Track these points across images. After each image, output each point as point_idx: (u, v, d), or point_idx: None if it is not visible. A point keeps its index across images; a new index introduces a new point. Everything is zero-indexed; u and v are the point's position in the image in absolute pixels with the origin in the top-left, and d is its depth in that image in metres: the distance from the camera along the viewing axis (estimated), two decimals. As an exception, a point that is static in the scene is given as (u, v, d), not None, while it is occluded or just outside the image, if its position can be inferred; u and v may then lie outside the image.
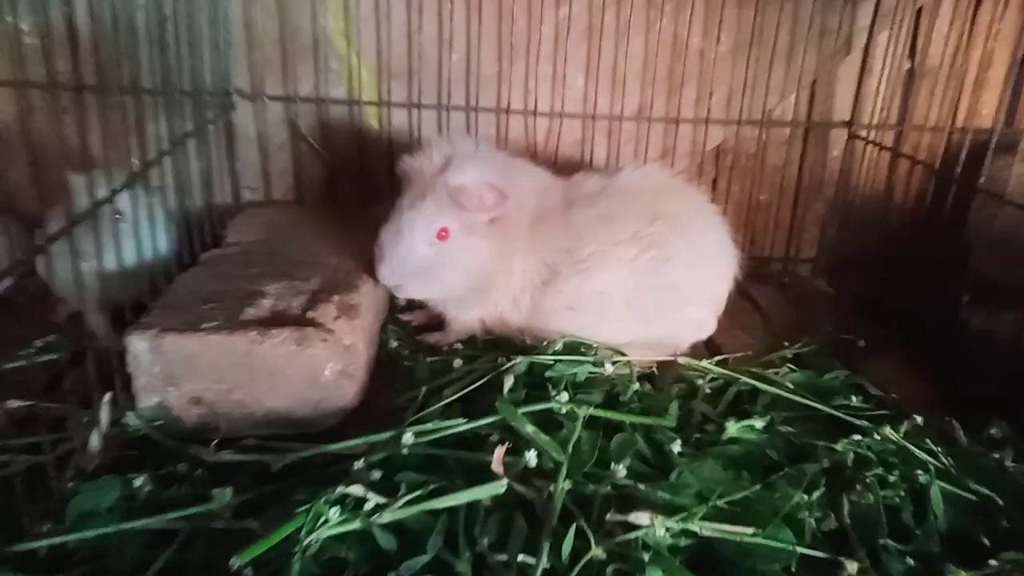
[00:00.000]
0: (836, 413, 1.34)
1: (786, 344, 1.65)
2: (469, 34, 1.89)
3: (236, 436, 1.25)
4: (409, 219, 1.45)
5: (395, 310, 1.75)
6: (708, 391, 1.44)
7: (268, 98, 1.92)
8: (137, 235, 1.45)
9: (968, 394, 1.51)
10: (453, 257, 1.46)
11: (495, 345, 1.59)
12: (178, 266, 1.57)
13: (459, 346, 1.59)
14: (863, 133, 1.97)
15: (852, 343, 1.67)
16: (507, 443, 1.12)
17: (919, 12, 1.93)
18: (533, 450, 1.13)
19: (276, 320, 1.32)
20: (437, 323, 1.66)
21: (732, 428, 1.27)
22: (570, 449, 1.15)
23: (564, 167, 1.97)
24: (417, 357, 1.53)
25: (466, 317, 1.59)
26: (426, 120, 1.96)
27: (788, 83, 1.99)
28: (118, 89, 1.40)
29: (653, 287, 1.47)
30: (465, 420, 1.22)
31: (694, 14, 1.90)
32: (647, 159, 2.02)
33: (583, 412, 1.23)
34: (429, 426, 1.20)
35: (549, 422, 1.25)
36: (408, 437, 1.17)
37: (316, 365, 1.27)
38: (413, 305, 1.74)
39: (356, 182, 2.00)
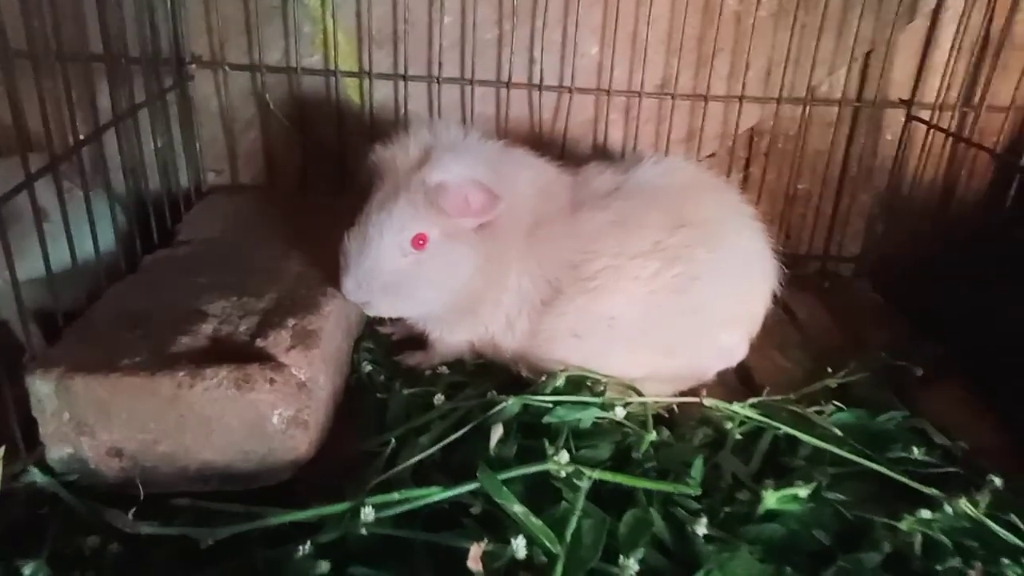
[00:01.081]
0: (896, 476, 1.10)
1: (829, 370, 1.40)
2: (464, -8, 1.61)
3: (167, 492, 1.04)
4: (378, 223, 1.20)
5: (373, 320, 1.51)
6: (739, 436, 1.20)
7: (230, 67, 1.66)
8: (68, 231, 1.19)
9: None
10: (432, 270, 1.22)
11: (486, 370, 1.36)
12: (129, 262, 1.34)
13: (444, 369, 1.36)
14: (924, 115, 1.68)
15: (907, 371, 1.41)
16: (485, 541, 0.88)
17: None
18: (522, 536, 0.90)
19: (215, 352, 1.08)
20: (420, 337, 1.42)
21: (770, 499, 1.03)
22: (569, 535, 0.92)
23: (573, 152, 1.72)
24: (393, 385, 1.29)
25: (452, 339, 1.35)
26: (414, 94, 1.69)
27: (838, 55, 1.70)
28: (53, 56, 1.15)
29: (677, 312, 1.22)
30: (440, 488, 0.99)
31: (730, -29, 1.61)
32: (670, 142, 1.74)
33: (587, 481, 0.99)
34: (395, 496, 0.98)
35: (544, 489, 1.02)
36: (368, 513, 0.94)
37: (260, 412, 1.04)
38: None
39: (334, 164, 1.75)
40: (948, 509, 1.03)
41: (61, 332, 1.12)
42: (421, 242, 1.20)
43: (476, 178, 1.19)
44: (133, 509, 0.97)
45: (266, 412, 1.04)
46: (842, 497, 1.07)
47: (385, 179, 1.24)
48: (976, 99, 1.65)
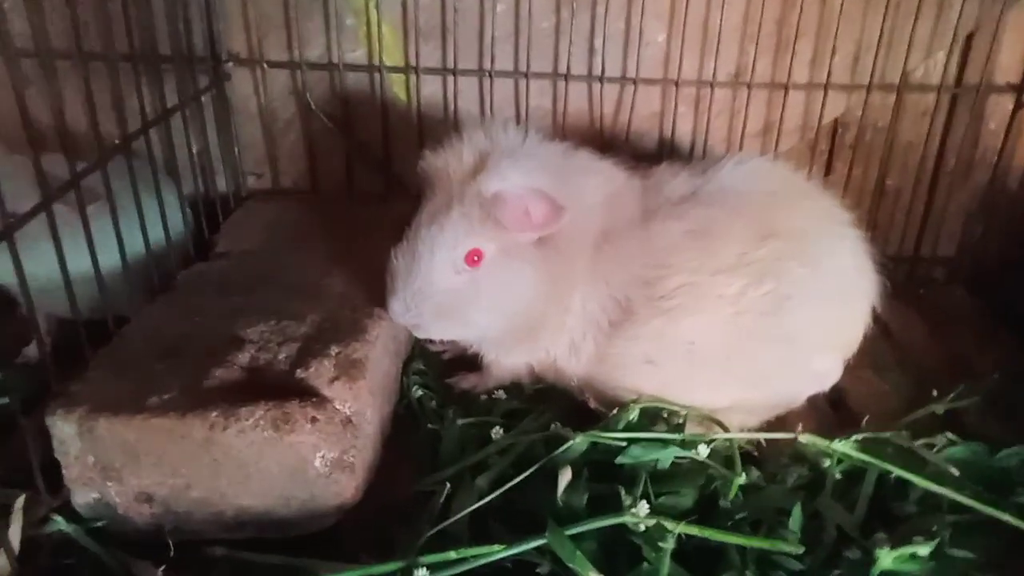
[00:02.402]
0: (1030, 529, 0.94)
1: (934, 393, 1.24)
2: (518, -22, 1.47)
3: (201, 540, 0.95)
4: (429, 239, 1.08)
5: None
6: (838, 476, 1.05)
7: (269, 64, 1.55)
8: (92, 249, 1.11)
9: None
10: (487, 289, 1.09)
11: (546, 396, 1.23)
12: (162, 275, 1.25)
13: (500, 394, 1.23)
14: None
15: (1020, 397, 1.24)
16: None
17: None
18: (599, 609, 0.78)
19: (252, 386, 0.98)
20: (473, 356, 1.30)
21: (885, 559, 0.88)
22: (653, 609, 0.79)
23: (637, 149, 1.58)
24: (446, 413, 1.17)
25: (508, 360, 1.22)
26: (464, 89, 1.56)
27: (937, 36, 1.52)
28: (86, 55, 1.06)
29: (766, 336, 1.07)
30: (502, 546, 0.87)
31: (814, -55, 1.45)
32: (744, 135, 1.59)
33: (671, 540, 0.86)
34: (452, 555, 0.86)
35: (620, 542, 0.89)
36: (421, 575, 0.82)
37: (301, 455, 0.93)
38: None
39: (379, 167, 1.63)
40: (1098, 572, 0.88)
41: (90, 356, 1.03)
42: (476, 259, 1.08)
43: (537, 187, 1.06)
44: (163, 567, 0.88)
45: (307, 455, 0.93)
46: (969, 555, 0.92)
47: (436, 189, 1.12)
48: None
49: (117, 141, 1.14)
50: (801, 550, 0.89)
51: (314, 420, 0.94)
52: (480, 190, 1.07)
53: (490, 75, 1.54)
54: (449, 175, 1.11)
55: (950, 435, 1.12)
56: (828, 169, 1.67)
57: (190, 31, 1.42)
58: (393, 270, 1.11)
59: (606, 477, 0.99)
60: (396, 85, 1.58)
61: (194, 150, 1.50)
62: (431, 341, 1.36)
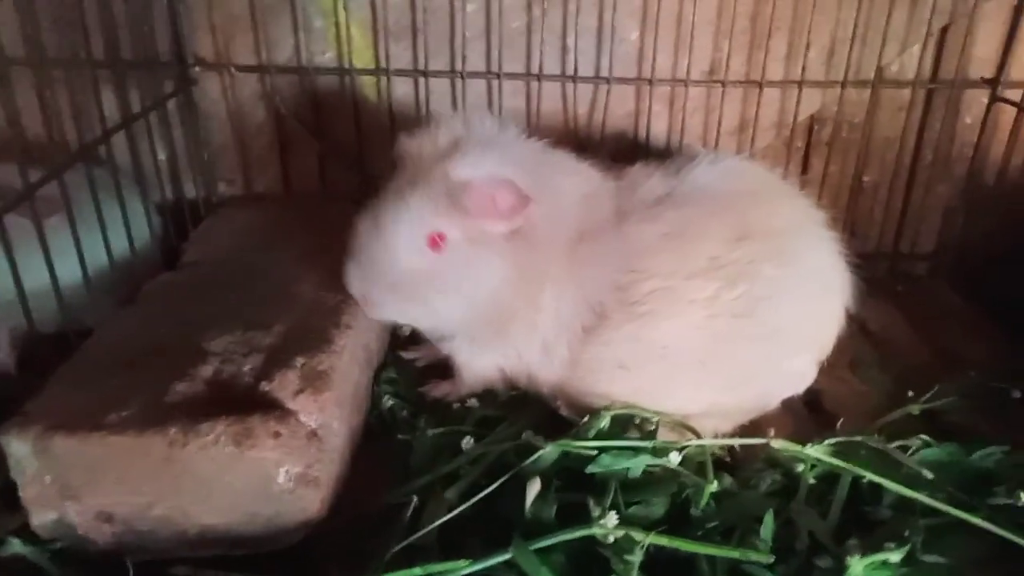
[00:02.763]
0: (1005, 534, 0.93)
1: (911, 394, 1.23)
2: (489, -24, 1.46)
3: (165, 558, 0.93)
4: (393, 212, 1.06)
5: (397, 343, 1.38)
6: (813, 480, 1.04)
7: (237, 68, 1.52)
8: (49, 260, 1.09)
9: None
10: (450, 276, 1.07)
11: (520, 404, 1.21)
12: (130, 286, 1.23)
13: (474, 402, 1.22)
14: (1012, 95, 1.48)
15: (1003, 393, 1.24)
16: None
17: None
18: (565, 626, 0.76)
19: (214, 400, 0.96)
20: (447, 364, 1.28)
21: (856, 567, 0.87)
22: (620, 624, 0.77)
23: (612, 148, 1.56)
24: (417, 423, 1.16)
25: (480, 363, 1.21)
26: (436, 91, 1.55)
27: (912, 30, 1.51)
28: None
29: (740, 339, 1.06)
30: (468, 561, 0.85)
31: (787, -61, 1.43)
32: (720, 133, 1.57)
33: (639, 552, 0.84)
34: (417, 572, 0.84)
35: (590, 555, 0.88)
36: (386, 594, 0.81)
37: (264, 471, 0.91)
38: (418, 337, 1.35)
39: (353, 169, 1.61)
40: (1073, 577, 0.87)
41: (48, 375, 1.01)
42: (439, 242, 1.06)
43: (507, 177, 1.04)
44: (124, 585, 0.86)
45: (270, 471, 0.91)
46: (941, 560, 0.91)
47: (407, 169, 1.10)
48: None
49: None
50: (771, 559, 0.88)
51: (277, 435, 0.92)
52: (448, 174, 1.05)
53: (462, 76, 1.52)
54: (422, 156, 1.09)
55: (924, 437, 1.11)
56: (805, 166, 1.65)
57: (153, 35, 1.40)
58: (353, 238, 1.09)
59: (578, 485, 0.97)
60: (367, 87, 1.56)
61: (161, 157, 1.48)
62: (404, 348, 1.35)
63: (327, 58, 1.54)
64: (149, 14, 1.39)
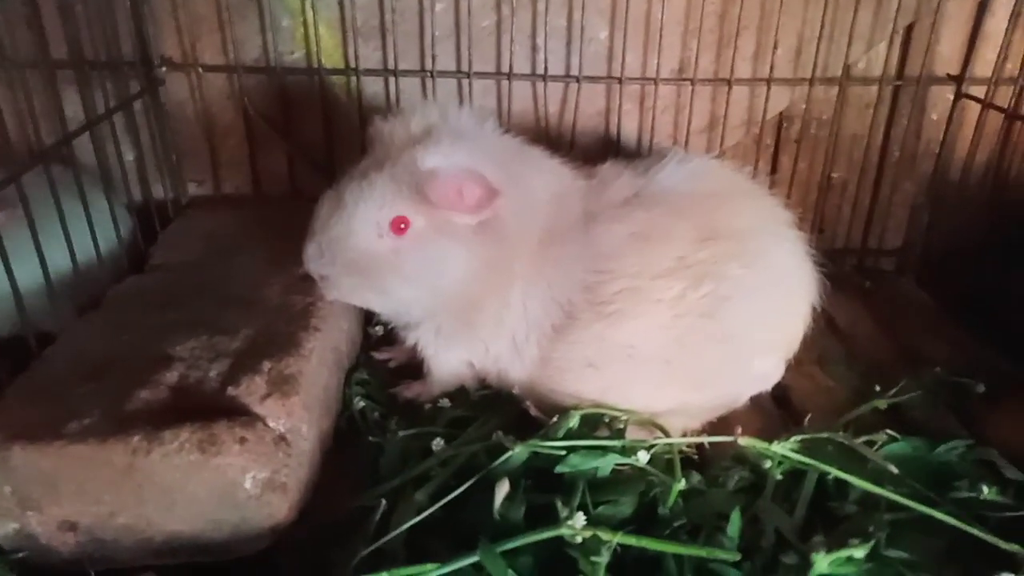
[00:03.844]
0: (967, 528, 0.94)
1: (877, 389, 1.24)
2: (457, -25, 1.45)
3: (130, 567, 0.92)
4: (356, 191, 1.06)
5: (369, 344, 1.37)
6: (779, 476, 1.05)
7: (204, 68, 1.51)
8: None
9: None
10: (411, 262, 1.07)
11: (491, 403, 1.21)
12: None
13: (445, 402, 1.21)
14: (977, 92, 1.50)
15: (968, 388, 1.25)
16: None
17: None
18: (532, 628, 0.76)
19: (179, 407, 0.95)
20: (419, 365, 1.28)
21: (821, 563, 0.88)
22: (586, 626, 0.78)
23: (582, 147, 1.56)
24: (388, 424, 1.16)
25: (448, 358, 1.20)
26: (406, 90, 1.54)
27: (877, 28, 1.52)
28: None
29: (706, 338, 1.07)
30: (435, 565, 0.85)
31: (754, -62, 1.44)
32: (690, 132, 1.58)
33: (606, 553, 0.85)
34: (384, 576, 0.84)
35: (558, 555, 0.88)
36: (352, 599, 0.81)
37: (229, 478, 0.90)
38: (391, 338, 1.35)
39: (323, 170, 1.60)
40: (1032, 568, 0.88)
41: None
42: (402, 227, 1.05)
43: (475, 169, 1.03)
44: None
45: (236, 477, 0.90)
46: (904, 555, 0.92)
47: (376, 151, 1.10)
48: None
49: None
50: (737, 557, 0.89)
51: (243, 440, 0.91)
52: (416, 161, 1.05)
53: (432, 75, 1.51)
54: (393, 141, 1.09)
55: (890, 432, 1.12)
56: (775, 164, 1.67)
57: (117, 35, 1.38)
58: (315, 214, 1.09)
59: (547, 486, 0.98)
60: (337, 87, 1.55)
61: (129, 158, 1.46)
62: (376, 349, 1.35)
63: (296, 57, 1.52)
64: (111, 15, 1.36)
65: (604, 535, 0.87)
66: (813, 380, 1.32)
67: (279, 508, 0.93)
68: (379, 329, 1.36)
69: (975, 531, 0.93)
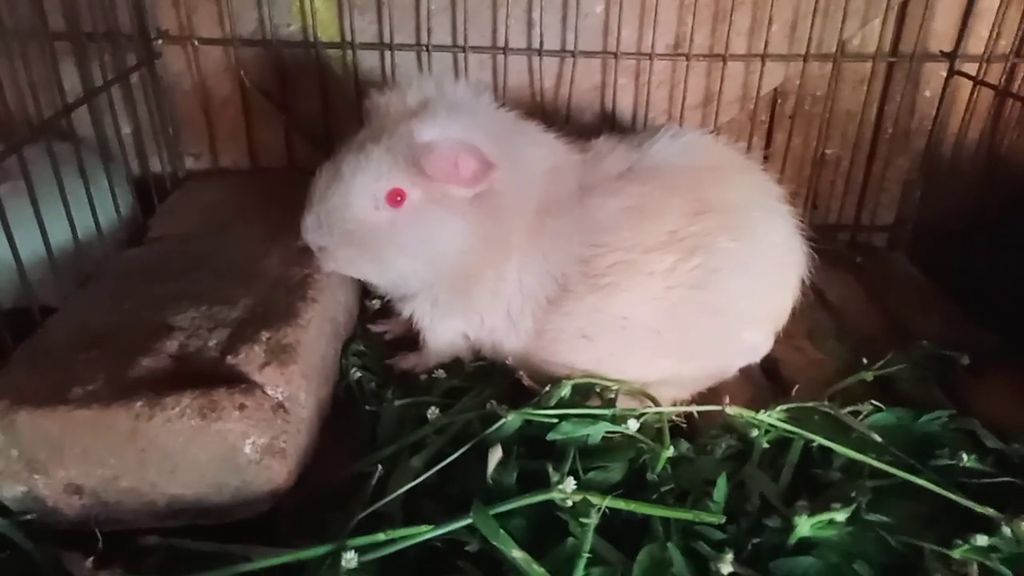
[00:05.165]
0: (945, 494, 0.97)
1: (865, 362, 1.27)
2: (453, -51, 1.45)
3: (135, 528, 0.95)
4: (353, 163, 1.07)
5: (366, 316, 1.39)
6: (766, 445, 1.08)
7: (201, 41, 1.51)
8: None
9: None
10: (407, 235, 1.08)
11: (486, 373, 1.24)
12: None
13: (440, 373, 1.23)
14: (970, 69, 1.51)
15: (953, 360, 1.28)
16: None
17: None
18: (523, 584, 0.79)
19: (180, 374, 0.97)
20: (415, 337, 1.30)
21: (803, 526, 0.91)
22: (576, 583, 0.81)
23: (578, 122, 1.57)
24: (385, 394, 1.18)
25: (443, 329, 1.22)
26: (402, 64, 1.54)
27: (872, 4, 1.53)
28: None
29: (697, 309, 1.09)
30: (430, 527, 0.88)
31: (751, -87, 1.44)
32: (684, 107, 1.59)
33: (596, 516, 0.87)
34: (380, 536, 0.87)
35: (550, 518, 0.91)
36: (350, 559, 0.83)
37: (230, 443, 0.93)
38: (387, 311, 1.37)
39: (320, 142, 1.61)
40: (1007, 532, 0.91)
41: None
42: (399, 199, 1.07)
43: (471, 142, 1.05)
44: (91, 558, 0.88)
45: (236, 442, 0.93)
46: (885, 519, 0.95)
47: (373, 123, 1.11)
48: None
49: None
50: (723, 520, 0.91)
51: (242, 407, 0.94)
52: (412, 133, 1.06)
53: (428, 49, 1.51)
54: (389, 113, 1.10)
55: (875, 402, 1.15)
56: (769, 139, 1.68)
57: (114, 8, 1.38)
58: (312, 186, 1.10)
59: (539, 453, 1.00)
60: (333, 60, 1.55)
61: (126, 131, 1.47)
62: (373, 321, 1.37)
63: (292, 30, 1.53)
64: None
65: (594, 499, 0.90)
66: (803, 353, 1.34)
67: (279, 473, 0.96)
68: (376, 302, 1.39)
69: (954, 496, 0.96)
